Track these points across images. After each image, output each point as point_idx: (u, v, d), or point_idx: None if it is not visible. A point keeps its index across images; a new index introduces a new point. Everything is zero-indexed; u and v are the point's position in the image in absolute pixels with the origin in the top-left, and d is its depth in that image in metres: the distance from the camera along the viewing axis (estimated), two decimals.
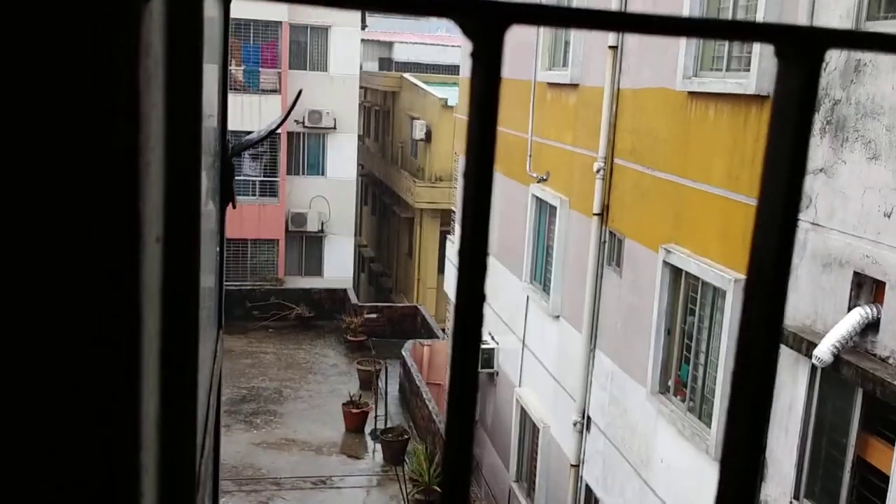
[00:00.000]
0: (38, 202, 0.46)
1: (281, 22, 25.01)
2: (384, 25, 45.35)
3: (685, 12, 8.49)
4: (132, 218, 0.46)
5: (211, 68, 1.63)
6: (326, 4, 0.35)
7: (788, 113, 0.32)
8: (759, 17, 7.26)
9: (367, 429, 17.36)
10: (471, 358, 0.39)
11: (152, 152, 0.48)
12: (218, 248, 2.06)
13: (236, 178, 2.41)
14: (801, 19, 6.70)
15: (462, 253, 0.31)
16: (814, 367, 6.39)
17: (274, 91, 25.00)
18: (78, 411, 0.51)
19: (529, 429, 13.03)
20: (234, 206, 2.18)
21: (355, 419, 17.31)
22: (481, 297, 0.33)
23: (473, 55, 0.31)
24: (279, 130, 24.86)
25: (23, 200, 0.46)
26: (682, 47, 8.52)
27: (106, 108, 0.44)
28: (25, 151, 0.45)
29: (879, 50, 0.36)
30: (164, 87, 0.54)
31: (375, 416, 17.26)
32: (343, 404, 17.55)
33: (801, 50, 0.32)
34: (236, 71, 24.24)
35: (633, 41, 9.95)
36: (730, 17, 8.06)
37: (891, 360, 5.75)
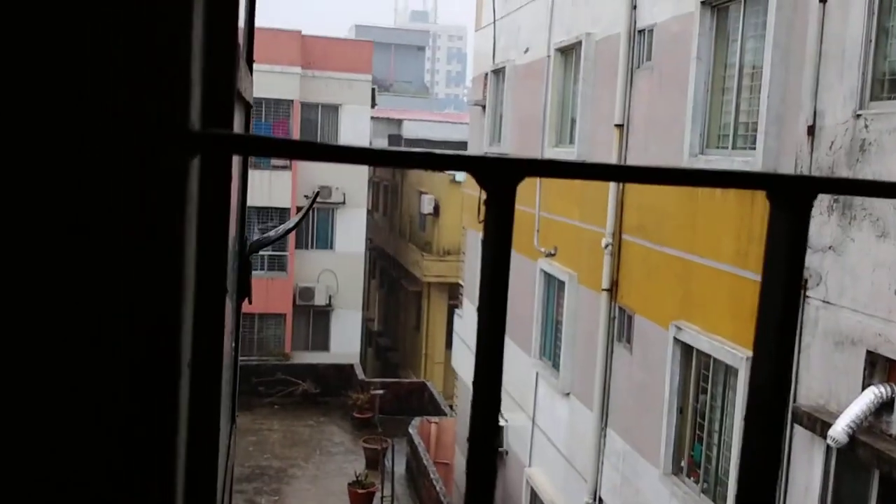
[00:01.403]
0: (88, 343, 0.49)
1: (293, 100, 25.59)
2: (394, 103, 46.32)
3: (689, 96, 8.66)
4: (172, 347, 0.49)
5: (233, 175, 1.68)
6: (354, 162, 0.38)
7: (781, 251, 0.34)
8: (763, 98, 7.40)
9: None
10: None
11: (188, 287, 0.50)
12: (234, 344, 2.08)
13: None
14: (805, 100, 6.83)
15: (475, 391, 0.33)
16: (829, 448, 6.27)
17: (285, 167, 25.40)
18: None
19: None
20: (250, 302, 2.22)
21: (361, 500, 16.93)
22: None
23: (487, 202, 0.34)
24: (289, 205, 25.15)
25: (77, 337, 0.49)
26: (689, 125, 8.66)
27: (151, 255, 0.47)
28: (79, 288, 0.48)
29: (866, 195, 0.38)
30: (197, 226, 0.58)
31: (382, 497, 16.90)
32: (349, 484, 17.21)
33: (791, 195, 0.34)
34: None
35: (639, 119, 10.12)
36: (734, 98, 8.21)
37: None
